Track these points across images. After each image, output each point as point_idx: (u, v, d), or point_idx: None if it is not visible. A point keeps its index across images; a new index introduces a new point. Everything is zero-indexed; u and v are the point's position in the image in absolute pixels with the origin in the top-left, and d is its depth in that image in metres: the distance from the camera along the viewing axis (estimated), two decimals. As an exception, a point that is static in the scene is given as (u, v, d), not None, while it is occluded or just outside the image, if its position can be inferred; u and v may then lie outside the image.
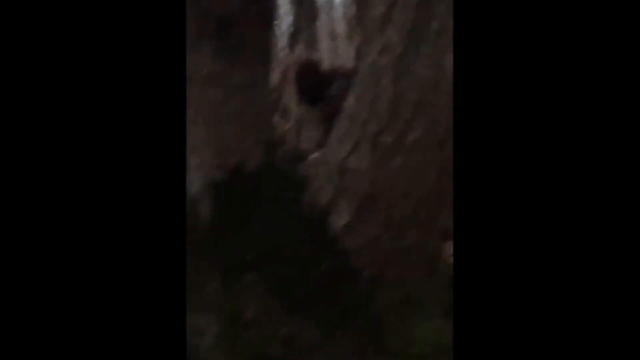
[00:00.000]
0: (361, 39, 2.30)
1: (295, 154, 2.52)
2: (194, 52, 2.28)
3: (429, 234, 2.32)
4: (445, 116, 2.14)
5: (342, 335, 2.22)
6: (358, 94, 2.24)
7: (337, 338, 2.21)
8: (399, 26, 2.11)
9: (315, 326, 2.22)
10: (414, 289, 2.28)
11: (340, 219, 2.27)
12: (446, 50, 2.06)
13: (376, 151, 2.21)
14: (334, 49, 2.56)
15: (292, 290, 2.26)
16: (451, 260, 2.34)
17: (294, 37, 2.51)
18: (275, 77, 2.53)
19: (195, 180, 2.34)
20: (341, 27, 2.48)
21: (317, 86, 2.65)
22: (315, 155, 2.46)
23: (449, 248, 2.35)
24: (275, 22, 2.47)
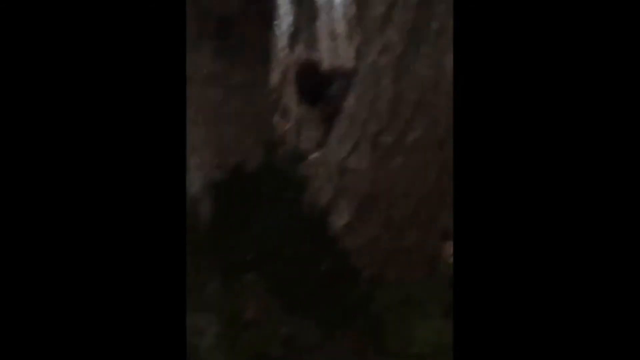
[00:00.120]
0: (361, 39, 2.29)
1: (295, 154, 2.52)
2: (194, 52, 2.27)
3: (429, 234, 2.32)
4: (445, 116, 2.13)
5: (342, 335, 2.22)
6: (358, 94, 2.24)
7: (337, 338, 2.21)
8: (399, 26, 2.11)
9: (315, 326, 2.22)
10: (414, 289, 2.28)
11: (340, 219, 2.27)
12: (446, 50, 2.05)
13: (376, 151, 2.20)
14: (334, 49, 2.55)
15: (292, 290, 2.26)
16: (451, 260, 2.34)
17: (294, 37, 2.51)
18: (275, 77, 2.53)
19: (195, 180, 2.34)
20: (341, 27, 2.47)
21: (317, 86, 2.64)
22: (315, 155, 2.46)
23: (448, 248, 2.35)
24: (275, 22, 2.46)
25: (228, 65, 2.36)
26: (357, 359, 2.22)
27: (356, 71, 2.29)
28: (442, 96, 2.12)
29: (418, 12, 2.10)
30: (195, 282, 2.09)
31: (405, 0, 2.10)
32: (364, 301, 2.25)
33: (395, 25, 2.11)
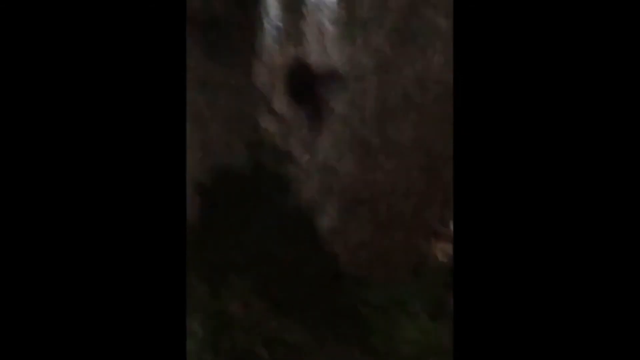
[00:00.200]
0: (350, 41, 2.30)
1: (282, 155, 2.51)
2: (182, 53, 2.26)
3: (416, 235, 2.32)
4: (432, 118, 2.14)
5: (329, 336, 2.22)
6: (346, 95, 2.24)
7: (324, 339, 2.22)
8: (387, 28, 2.11)
9: (302, 327, 2.22)
10: (400, 290, 2.28)
11: (327, 221, 2.27)
12: (434, 52, 2.06)
13: (363, 153, 2.21)
14: (323, 50, 2.56)
15: (279, 292, 2.26)
16: (439, 260, 2.36)
17: (282, 38, 2.50)
18: (263, 78, 2.52)
19: (182, 182, 2.33)
20: (330, 29, 2.47)
21: (307, 87, 2.64)
22: (303, 156, 2.46)
23: (436, 249, 2.36)
24: (264, 23, 2.46)
25: (216, 66, 2.36)
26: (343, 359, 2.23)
27: (345, 73, 2.29)
28: (429, 97, 2.13)
29: (405, 14, 2.11)
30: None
31: (393, 2, 2.11)
32: (351, 302, 2.26)
33: (383, 27, 2.12)
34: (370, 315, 2.25)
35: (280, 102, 2.53)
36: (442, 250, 2.38)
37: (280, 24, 2.58)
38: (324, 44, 2.48)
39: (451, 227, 2.37)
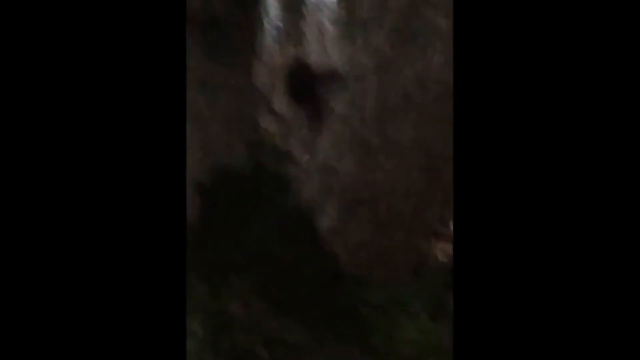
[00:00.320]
0: (350, 41, 2.30)
1: (283, 155, 2.51)
2: (181, 52, 2.26)
3: (416, 235, 2.32)
4: (432, 117, 2.14)
5: (329, 336, 2.22)
6: (346, 95, 2.24)
7: (324, 339, 2.21)
8: (387, 28, 2.11)
9: (302, 327, 2.22)
10: (400, 290, 2.28)
11: (327, 221, 2.27)
12: (434, 52, 2.06)
13: (363, 153, 2.21)
14: (323, 50, 2.56)
15: (279, 292, 2.26)
16: (439, 260, 2.35)
17: (282, 38, 2.50)
18: (263, 78, 2.53)
19: (182, 182, 2.33)
20: (330, 29, 2.47)
21: (307, 87, 2.64)
22: (303, 156, 2.46)
23: (435, 249, 2.36)
24: (264, 23, 2.46)
25: (215, 66, 2.35)
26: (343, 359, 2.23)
27: (344, 73, 2.29)
28: (429, 97, 2.13)
29: (405, 14, 2.11)
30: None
31: (393, 2, 2.11)
32: (351, 302, 2.26)
33: (383, 26, 2.11)
34: (370, 315, 2.25)
35: (280, 102, 2.53)
36: (442, 250, 2.38)
37: (280, 24, 2.58)
38: (324, 44, 2.48)
39: (451, 227, 2.37)
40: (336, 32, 2.42)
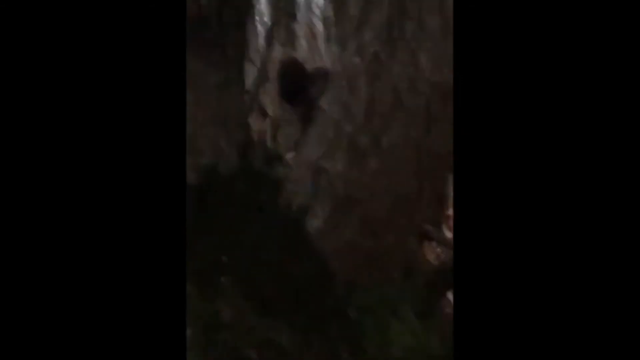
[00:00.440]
0: (338, 39, 2.30)
1: (273, 156, 2.51)
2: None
3: (405, 236, 2.31)
4: (421, 117, 2.14)
5: (318, 338, 2.21)
6: (337, 95, 2.23)
7: (313, 341, 2.20)
8: (375, 26, 2.11)
9: (291, 330, 2.20)
10: (390, 292, 2.27)
11: (316, 221, 2.26)
12: (424, 51, 2.06)
13: (352, 152, 2.20)
14: (314, 50, 2.55)
15: (267, 294, 2.24)
16: (431, 262, 2.35)
17: (270, 37, 2.49)
18: (254, 78, 2.53)
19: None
20: (321, 29, 2.47)
21: (298, 87, 2.64)
22: (293, 157, 2.45)
23: (425, 250, 2.35)
24: (255, 23, 2.46)
25: (205, 66, 2.35)
26: (333, 362, 2.22)
27: (335, 72, 2.29)
28: (418, 97, 2.12)
29: (396, 14, 2.11)
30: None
31: (383, 2, 2.10)
32: (340, 304, 2.24)
33: (371, 25, 2.11)
34: (359, 318, 2.24)
35: (271, 103, 2.53)
36: (433, 253, 2.37)
37: (271, 24, 2.58)
38: (315, 44, 2.48)
39: (443, 229, 2.36)
40: (327, 32, 2.42)
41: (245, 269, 2.26)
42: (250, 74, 2.44)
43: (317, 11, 2.54)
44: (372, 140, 2.19)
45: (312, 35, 2.46)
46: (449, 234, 2.34)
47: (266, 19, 2.49)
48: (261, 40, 2.41)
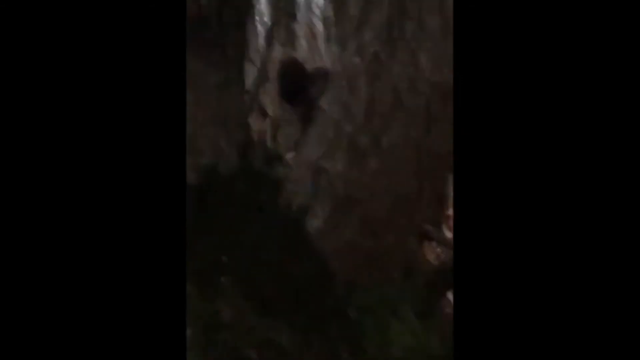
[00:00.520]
0: (338, 39, 2.30)
1: (273, 156, 2.50)
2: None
3: (405, 236, 2.31)
4: (421, 117, 2.13)
5: (318, 338, 2.21)
6: (337, 95, 2.23)
7: (313, 341, 2.20)
8: (375, 26, 2.11)
9: (291, 330, 2.20)
10: (390, 292, 2.27)
11: (315, 221, 2.26)
12: (425, 51, 2.06)
13: (352, 152, 2.20)
14: (314, 50, 2.55)
15: (267, 294, 2.24)
16: (431, 262, 2.35)
17: (270, 37, 2.49)
18: (254, 78, 2.53)
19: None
20: (321, 29, 2.47)
21: (298, 87, 2.64)
22: (293, 157, 2.45)
23: (425, 250, 2.35)
24: (255, 23, 2.46)
25: (205, 66, 2.35)
26: (333, 362, 2.21)
27: (335, 72, 2.29)
28: (418, 97, 2.12)
29: (396, 14, 2.10)
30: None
31: (383, 2, 2.10)
32: (340, 304, 2.24)
33: (371, 25, 2.11)
34: (360, 318, 2.24)
35: (271, 103, 2.53)
36: (433, 253, 2.37)
37: (271, 24, 2.59)
38: (315, 44, 2.48)
39: (443, 229, 2.36)
40: (327, 32, 2.42)
41: (245, 269, 2.26)
42: (250, 74, 2.44)
43: (317, 11, 2.55)
44: (372, 140, 2.19)
45: (312, 35, 2.47)
46: (449, 234, 2.34)
47: (266, 19, 2.49)
48: (261, 40, 2.41)
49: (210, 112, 2.37)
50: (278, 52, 2.46)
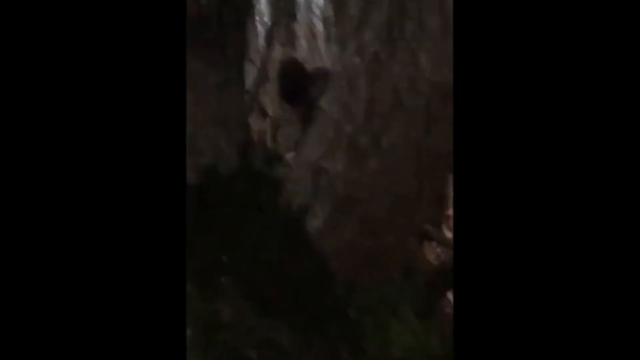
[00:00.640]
0: (338, 39, 2.30)
1: (273, 156, 2.50)
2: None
3: (405, 235, 2.31)
4: (421, 117, 2.13)
5: (318, 338, 2.21)
6: (337, 95, 2.23)
7: (313, 341, 2.20)
8: (375, 26, 2.11)
9: (291, 330, 2.20)
10: (390, 292, 2.27)
11: (315, 221, 2.26)
12: (425, 51, 2.06)
13: (354, 153, 2.20)
14: (314, 50, 2.55)
15: (267, 294, 2.24)
16: (431, 262, 2.34)
17: (270, 37, 2.49)
18: (254, 78, 2.53)
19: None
20: (321, 29, 2.47)
21: (298, 87, 2.64)
22: (293, 157, 2.45)
23: (425, 250, 2.35)
24: (255, 23, 2.46)
25: (205, 66, 2.35)
26: (333, 362, 2.21)
27: (335, 72, 2.29)
28: (418, 97, 2.12)
29: (396, 14, 2.10)
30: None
31: (384, 2, 2.10)
32: (340, 304, 2.24)
33: (371, 25, 2.11)
34: (359, 318, 2.24)
35: (271, 103, 2.53)
36: (433, 253, 2.37)
37: (271, 24, 2.59)
38: (315, 44, 2.48)
39: (443, 229, 2.36)
40: (327, 32, 2.43)
41: (245, 269, 2.26)
42: (250, 74, 2.44)
43: (317, 11, 2.55)
44: (372, 140, 2.19)
45: (312, 35, 2.47)
46: (449, 234, 2.34)
47: (266, 19, 2.50)
48: (261, 40, 2.41)
49: (210, 112, 2.37)
50: (278, 52, 2.47)
